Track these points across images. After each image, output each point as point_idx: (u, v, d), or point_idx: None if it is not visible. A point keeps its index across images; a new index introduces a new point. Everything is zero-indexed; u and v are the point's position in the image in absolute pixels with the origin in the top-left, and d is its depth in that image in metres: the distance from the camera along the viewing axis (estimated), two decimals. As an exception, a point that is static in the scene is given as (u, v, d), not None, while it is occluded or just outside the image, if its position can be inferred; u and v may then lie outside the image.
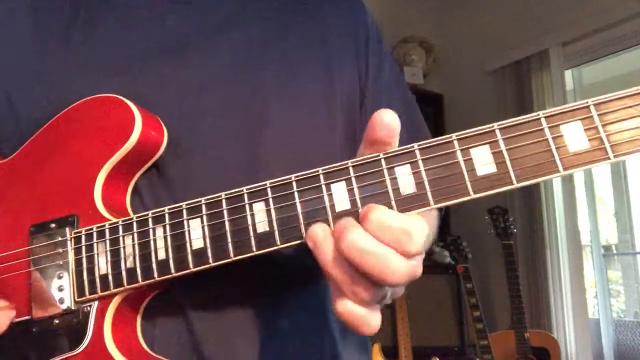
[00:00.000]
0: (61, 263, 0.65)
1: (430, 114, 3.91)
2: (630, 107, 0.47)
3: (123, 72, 0.73)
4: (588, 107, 0.48)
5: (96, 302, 0.64)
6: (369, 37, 0.86)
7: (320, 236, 0.49)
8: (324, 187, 0.54)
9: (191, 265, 0.58)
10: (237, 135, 0.72)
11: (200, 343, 0.67)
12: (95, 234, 0.64)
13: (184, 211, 0.60)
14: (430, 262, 3.40)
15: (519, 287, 2.98)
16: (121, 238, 0.62)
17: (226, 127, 0.72)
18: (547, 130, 0.49)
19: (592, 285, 3.48)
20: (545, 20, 3.40)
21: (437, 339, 3.16)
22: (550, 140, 0.48)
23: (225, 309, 0.69)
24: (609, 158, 0.47)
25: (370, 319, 0.48)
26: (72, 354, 0.63)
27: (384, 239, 0.47)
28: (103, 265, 0.63)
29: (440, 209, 0.85)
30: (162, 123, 0.71)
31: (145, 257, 0.61)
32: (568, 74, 3.38)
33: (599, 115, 0.48)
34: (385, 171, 0.52)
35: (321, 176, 0.54)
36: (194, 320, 0.67)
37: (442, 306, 3.24)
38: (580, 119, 0.48)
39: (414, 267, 0.48)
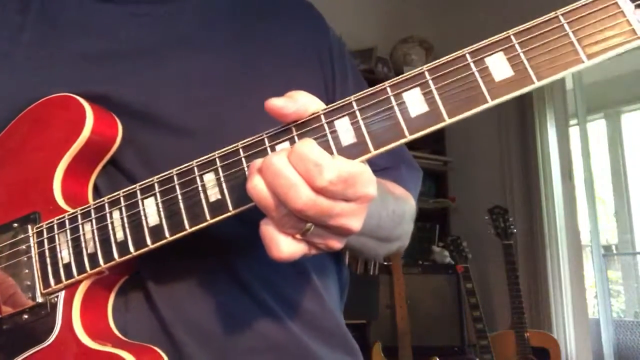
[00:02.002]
0: (25, 259, 0.66)
1: (430, 114, 3.90)
2: (547, 31, 0.49)
3: (74, 75, 0.74)
4: (509, 37, 0.51)
5: (63, 292, 0.64)
6: (331, 48, 0.88)
7: (255, 164, 0.52)
8: (269, 149, 0.55)
9: (149, 242, 0.60)
10: (195, 131, 0.73)
11: (169, 327, 0.68)
12: (55, 226, 0.65)
13: (138, 192, 0.61)
14: (430, 262, 3.40)
15: (519, 287, 2.97)
16: (80, 226, 0.63)
17: (184, 123, 0.73)
18: (472, 65, 0.51)
19: (592, 285, 3.47)
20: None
21: (437, 339, 3.16)
22: (476, 73, 0.51)
23: (188, 291, 0.69)
24: (533, 82, 0.49)
25: (281, 244, 0.51)
26: (43, 346, 0.63)
27: (297, 168, 0.49)
28: (65, 254, 0.64)
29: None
30: (116, 118, 0.71)
31: (104, 240, 0.62)
32: (568, 73, 3.36)
33: (519, 43, 0.50)
34: (326, 125, 0.54)
35: (266, 139, 0.56)
36: (160, 305, 0.68)
37: (442, 306, 3.24)
38: (502, 49, 0.51)
39: (323, 205, 0.50)
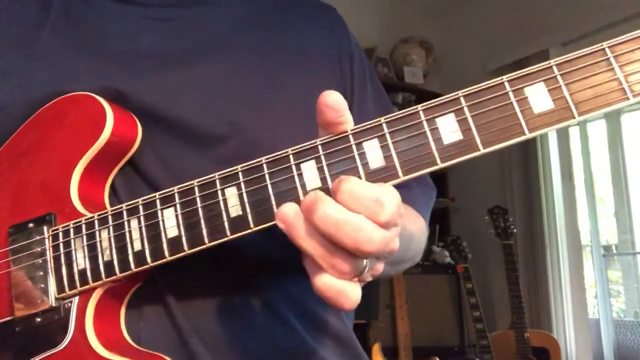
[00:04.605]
0: (40, 261, 0.65)
1: (431, 115, 3.91)
2: (592, 64, 0.47)
3: (93, 75, 0.73)
4: (551, 67, 0.48)
5: (77, 298, 0.64)
6: (352, 54, 0.87)
7: (290, 215, 0.49)
8: (293, 167, 0.54)
9: (167, 254, 0.58)
10: (213, 137, 0.72)
11: (186, 338, 0.67)
12: (72, 230, 0.64)
13: (158, 201, 0.60)
14: (430, 262, 3.41)
15: (519, 287, 2.98)
16: (97, 232, 0.62)
17: (203, 130, 0.72)
18: (511, 94, 0.49)
19: (592, 285, 3.47)
20: (545, 20, 3.40)
21: (437, 339, 3.16)
22: (515, 103, 0.48)
23: (207, 302, 0.69)
24: (573, 117, 0.47)
25: (350, 293, 0.48)
26: (55, 351, 0.63)
27: (356, 209, 0.47)
28: (81, 260, 0.63)
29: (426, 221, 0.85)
30: (135, 119, 0.71)
31: (121, 249, 0.61)
32: (568, 74, 3.37)
33: (561, 74, 0.48)
34: (354, 147, 0.52)
35: (291, 156, 0.54)
36: (177, 314, 0.67)
37: (442, 306, 3.25)
38: (543, 80, 0.48)
39: (389, 237, 0.48)
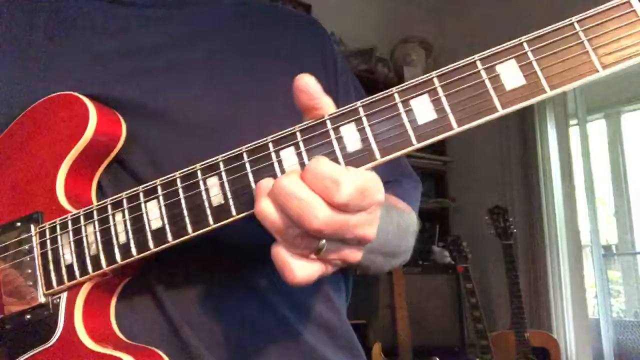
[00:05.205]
0: (28, 259, 0.66)
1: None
2: (561, 39, 0.48)
3: (82, 74, 0.74)
4: (521, 44, 0.49)
5: (65, 293, 0.64)
6: (336, 63, 0.89)
7: (261, 185, 0.51)
8: (273, 154, 0.54)
9: (151, 246, 0.59)
10: (204, 133, 0.73)
11: (177, 329, 0.67)
12: (58, 227, 0.65)
13: (141, 194, 0.60)
14: (430, 262, 3.41)
15: (519, 287, 2.97)
16: (83, 227, 0.63)
17: (194, 125, 0.73)
18: (482, 72, 0.50)
19: (592, 285, 3.47)
20: (545, 20, 3.40)
21: (437, 339, 3.16)
22: (487, 81, 0.49)
23: (196, 292, 0.69)
24: (545, 91, 0.48)
25: (294, 267, 0.50)
26: (45, 347, 0.63)
27: (314, 188, 0.48)
28: (68, 255, 0.63)
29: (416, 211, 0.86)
30: (120, 117, 0.71)
31: (107, 242, 0.61)
32: (568, 73, 3.36)
33: (532, 50, 0.49)
34: (331, 131, 0.53)
35: (270, 144, 0.55)
36: (167, 306, 0.68)
37: (442, 306, 3.25)
38: (514, 57, 0.49)
39: (344, 220, 0.48)
